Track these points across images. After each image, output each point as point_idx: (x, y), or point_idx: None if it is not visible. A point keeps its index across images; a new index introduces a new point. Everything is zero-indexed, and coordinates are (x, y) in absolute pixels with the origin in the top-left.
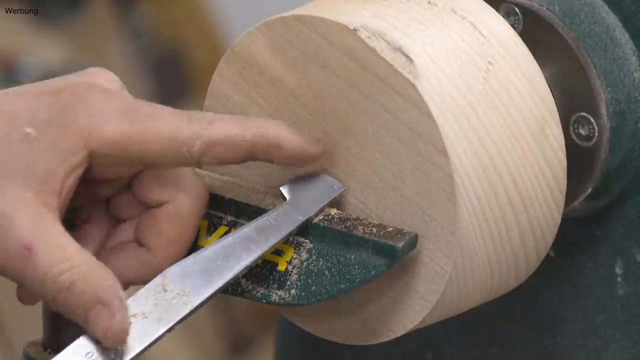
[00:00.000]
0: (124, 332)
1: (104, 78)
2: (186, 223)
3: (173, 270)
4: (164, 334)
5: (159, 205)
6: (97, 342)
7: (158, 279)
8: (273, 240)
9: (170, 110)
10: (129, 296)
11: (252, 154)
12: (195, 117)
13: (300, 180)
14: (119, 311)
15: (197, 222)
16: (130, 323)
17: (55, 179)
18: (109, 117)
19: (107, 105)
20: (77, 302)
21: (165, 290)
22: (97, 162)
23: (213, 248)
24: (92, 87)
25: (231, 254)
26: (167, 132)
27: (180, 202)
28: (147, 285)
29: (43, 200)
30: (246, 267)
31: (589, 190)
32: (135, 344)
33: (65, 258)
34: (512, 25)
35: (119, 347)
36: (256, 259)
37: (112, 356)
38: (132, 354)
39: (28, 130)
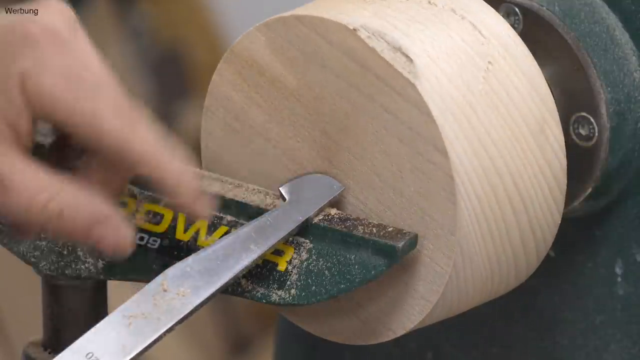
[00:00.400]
0: (133, 240)
1: (55, 7)
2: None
3: (173, 271)
4: (164, 334)
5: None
6: (96, 341)
7: (158, 279)
8: (273, 240)
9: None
10: (129, 297)
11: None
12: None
13: (299, 180)
14: (122, 222)
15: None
16: (130, 324)
17: (7, 112)
18: (52, 72)
19: (54, 58)
20: (73, 227)
21: (165, 291)
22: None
23: (213, 248)
24: (45, 31)
25: (231, 254)
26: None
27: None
28: (147, 286)
29: (2, 136)
30: (246, 267)
31: (589, 190)
32: (135, 344)
33: (44, 187)
34: (512, 25)
35: (119, 348)
36: (256, 259)
37: (112, 356)
38: (132, 354)
39: None
